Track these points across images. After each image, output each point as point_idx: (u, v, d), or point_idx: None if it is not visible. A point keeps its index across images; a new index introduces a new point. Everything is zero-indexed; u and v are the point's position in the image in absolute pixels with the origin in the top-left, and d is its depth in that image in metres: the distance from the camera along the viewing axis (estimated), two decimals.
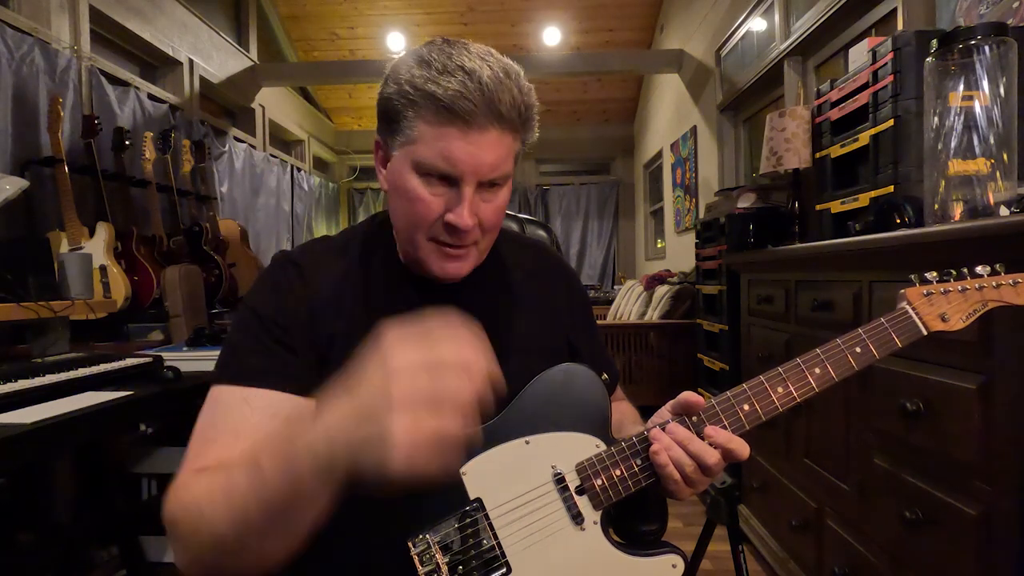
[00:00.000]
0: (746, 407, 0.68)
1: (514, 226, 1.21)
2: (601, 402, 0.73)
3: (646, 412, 0.82)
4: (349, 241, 0.80)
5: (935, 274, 0.71)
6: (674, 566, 0.68)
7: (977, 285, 0.70)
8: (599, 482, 0.68)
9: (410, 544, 0.64)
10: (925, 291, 0.70)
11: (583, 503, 0.68)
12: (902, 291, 0.71)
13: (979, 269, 0.71)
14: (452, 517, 0.66)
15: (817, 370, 0.68)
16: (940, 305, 0.69)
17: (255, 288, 0.74)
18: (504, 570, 0.65)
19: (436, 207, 0.68)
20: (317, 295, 0.72)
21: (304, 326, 0.70)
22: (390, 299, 0.75)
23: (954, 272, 0.71)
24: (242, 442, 0.61)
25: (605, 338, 1.59)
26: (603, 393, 0.73)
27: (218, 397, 0.67)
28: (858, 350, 0.68)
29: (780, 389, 0.68)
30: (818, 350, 0.69)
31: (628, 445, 0.69)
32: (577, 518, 0.67)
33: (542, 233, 1.22)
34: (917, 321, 0.69)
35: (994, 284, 0.70)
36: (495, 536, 0.66)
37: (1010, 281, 0.70)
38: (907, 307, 0.70)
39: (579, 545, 0.67)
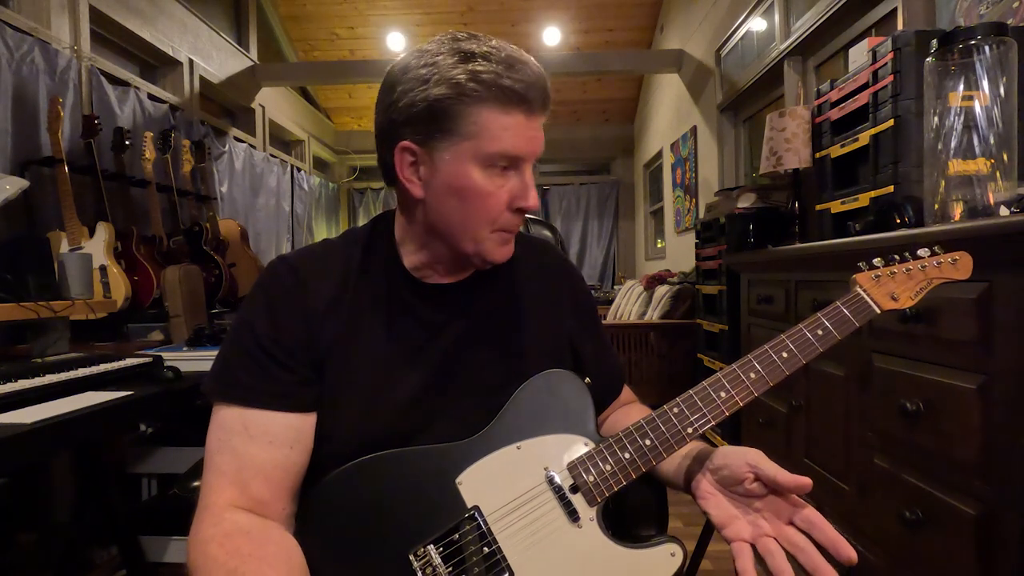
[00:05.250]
0: (723, 394, 0.70)
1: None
2: (585, 403, 0.74)
3: None
4: (350, 245, 0.78)
5: (881, 260, 0.77)
6: (672, 555, 0.68)
7: (920, 265, 0.76)
8: (591, 478, 0.69)
9: (411, 557, 0.65)
10: (873, 275, 0.76)
11: (578, 501, 0.68)
12: (853, 276, 0.77)
13: (920, 251, 0.77)
14: (451, 527, 0.66)
15: (784, 354, 0.71)
16: (888, 286, 0.75)
17: (252, 299, 0.73)
18: (507, 574, 0.65)
19: (503, 197, 0.70)
20: (315, 304, 0.72)
21: (301, 341, 0.70)
22: (390, 307, 0.75)
23: (897, 257, 0.77)
24: (245, 473, 0.66)
25: None
26: (586, 394, 0.75)
27: (222, 420, 0.69)
28: (819, 332, 0.72)
29: (752, 375, 0.71)
30: (783, 336, 0.73)
31: (615, 440, 0.70)
32: (573, 516, 0.68)
33: (547, 233, 1.21)
34: (870, 301, 0.74)
35: (936, 263, 0.76)
36: (495, 541, 0.66)
37: (950, 259, 0.76)
38: (859, 290, 0.75)
39: (578, 542, 0.67)
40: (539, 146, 0.71)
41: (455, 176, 0.68)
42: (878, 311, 0.74)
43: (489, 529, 0.66)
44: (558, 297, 0.85)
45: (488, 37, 0.69)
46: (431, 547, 0.65)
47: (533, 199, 0.71)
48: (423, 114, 0.67)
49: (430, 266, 0.76)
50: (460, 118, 0.66)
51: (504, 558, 0.66)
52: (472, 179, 0.68)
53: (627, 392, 0.95)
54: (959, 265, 0.76)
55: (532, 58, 0.69)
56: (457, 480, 0.68)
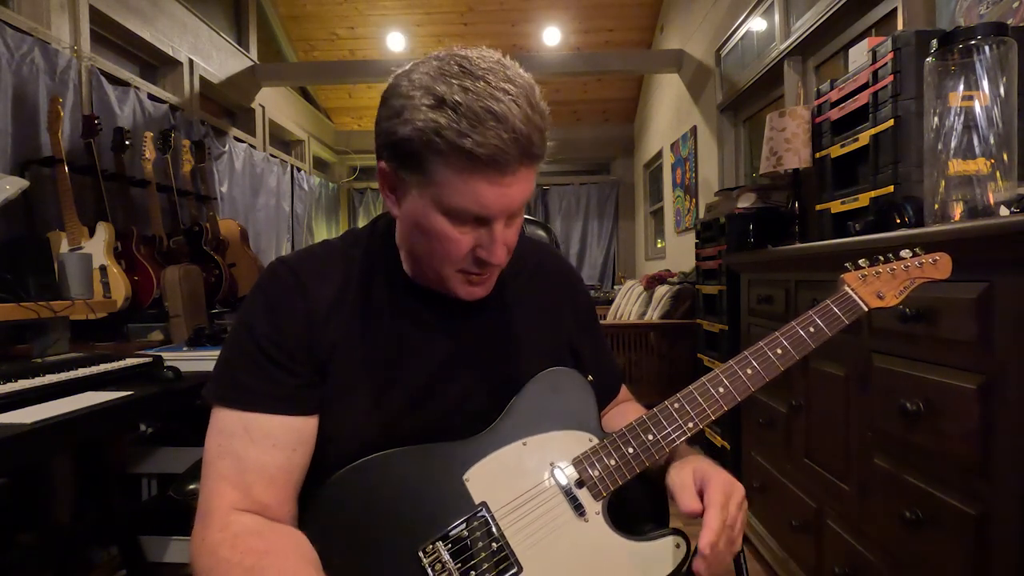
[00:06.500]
0: (720, 390, 0.73)
1: None
2: (588, 400, 0.76)
3: None
4: (350, 247, 0.78)
5: (866, 261, 0.81)
6: (677, 546, 0.70)
7: (903, 265, 0.80)
8: (596, 473, 0.70)
9: (420, 554, 0.65)
10: (860, 275, 0.80)
11: (583, 495, 0.70)
12: (841, 276, 0.80)
13: (903, 253, 0.81)
14: (459, 523, 0.67)
15: (779, 350, 0.75)
16: (874, 285, 0.79)
17: (251, 301, 0.73)
18: (515, 569, 0.66)
19: (466, 245, 0.67)
20: (316, 305, 0.71)
21: (301, 343, 0.70)
22: (391, 309, 0.75)
23: (881, 258, 0.81)
24: (248, 477, 0.66)
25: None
26: (590, 392, 0.76)
27: (222, 424, 0.68)
28: (811, 329, 0.76)
29: (749, 371, 0.74)
30: (776, 333, 0.76)
31: (619, 435, 0.72)
32: (579, 510, 0.69)
33: (541, 233, 1.22)
34: (857, 300, 0.78)
35: (917, 263, 0.80)
36: (503, 537, 0.67)
37: (931, 260, 0.81)
38: (847, 289, 0.79)
39: (584, 536, 0.68)
40: (512, 202, 0.65)
41: (419, 214, 0.66)
42: (866, 309, 0.78)
43: (497, 525, 0.67)
44: (557, 299, 0.86)
45: (480, 68, 0.61)
46: (440, 543, 0.66)
47: (498, 255, 0.67)
48: (392, 147, 0.65)
49: (422, 275, 0.75)
50: (423, 163, 0.62)
51: (512, 553, 0.66)
52: (434, 222, 0.65)
53: (624, 391, 0.96)
54: (939, 265, 0.81)
55: (517, 106, 0.60)
56: (464, 477, 0.69)
